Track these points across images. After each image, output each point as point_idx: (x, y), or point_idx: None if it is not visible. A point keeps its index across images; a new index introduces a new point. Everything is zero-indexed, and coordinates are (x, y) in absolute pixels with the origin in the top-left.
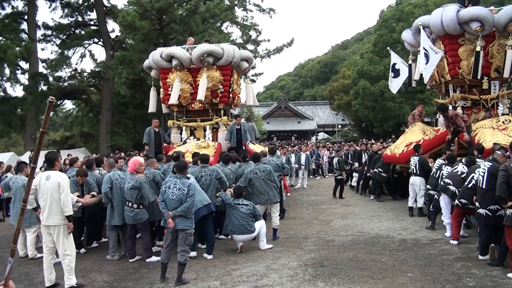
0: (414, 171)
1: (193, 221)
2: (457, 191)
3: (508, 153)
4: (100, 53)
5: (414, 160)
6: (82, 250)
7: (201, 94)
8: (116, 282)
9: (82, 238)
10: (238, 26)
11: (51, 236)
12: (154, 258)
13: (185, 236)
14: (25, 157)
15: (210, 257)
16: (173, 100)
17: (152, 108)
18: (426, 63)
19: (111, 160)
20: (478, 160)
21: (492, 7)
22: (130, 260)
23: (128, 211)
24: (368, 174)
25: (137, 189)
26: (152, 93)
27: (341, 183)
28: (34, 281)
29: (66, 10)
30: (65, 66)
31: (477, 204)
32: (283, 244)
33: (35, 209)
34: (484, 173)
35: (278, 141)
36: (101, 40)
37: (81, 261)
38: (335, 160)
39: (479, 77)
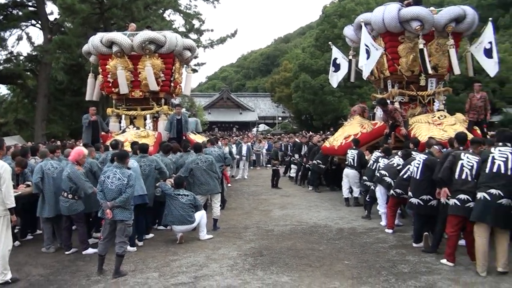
0: (351, 164)
1: (132, 212)
2: (392, 182)
3: (444, 149)
4: (37, 36)
5: (352, 153)
6: (16, 243)
7: (152, 84)
8: (52, 275)
9: (16, 230)
10: (181, 14)
11: None
12: (90, 250)
13: (124, 227)
14: None
15: (140, 243)
16: (123, 90)
17: (89, 95)
18: (367, 59)
19: (44, 149)
20: (413, 153)
21: (432, 8)
22: (66, 253)
23: (63, 202)
24: (307, 166)
25: (72, 180)
26: (90, 80)
27: (277, 173)
28: None
29: None
30: (0, 49)
31: (410, 193)
32: (223, 235)
33: None
34: (419, 164)
35: (220, 132)
36: (39, 22)
37: (15, 254)
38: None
39: (430, 72)
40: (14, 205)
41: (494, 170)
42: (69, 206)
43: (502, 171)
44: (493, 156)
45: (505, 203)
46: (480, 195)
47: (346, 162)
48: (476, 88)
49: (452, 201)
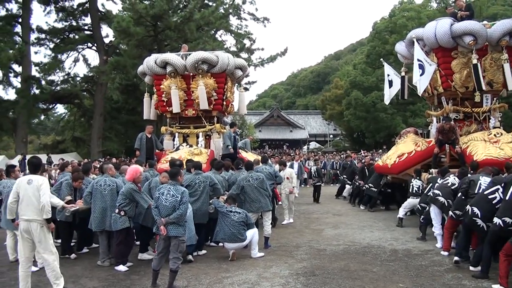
0: (416, 192)
1: (186, 228)
2: (446, 202)
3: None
4: (93, 58)
5: (417, 183)
6: (73, 256)
7: (204, 103)
8: None
9: (73, 244)
10: (232, 34)
11: (29, 242)
12: (121, 268)
13: (178, 243)
14: (15, 161)
15: (190, 257)
16: (176, 109)
17: (146, 115)
18: (421, 75)
19: (106, 166)
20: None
21: (485, 22)
22: (116, 268)
23: (112, 217)
24: (360, 186)
25: (125, 196)
26: (146, 99)
27: (318, 189)
28: None
29: (60, 14)
30: (58, 70)
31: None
32: (274, 253)
33: (13, 220)
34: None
35: (270, 149)
36: (95, 45)
37: (71, 267)
38: (313, 168)
39: (484, 88)
40: (50, 215)
41: None
42: (113, 221)
43: None
44: None
45: None
46: None
47: (410, 190)
48: None
49: None
